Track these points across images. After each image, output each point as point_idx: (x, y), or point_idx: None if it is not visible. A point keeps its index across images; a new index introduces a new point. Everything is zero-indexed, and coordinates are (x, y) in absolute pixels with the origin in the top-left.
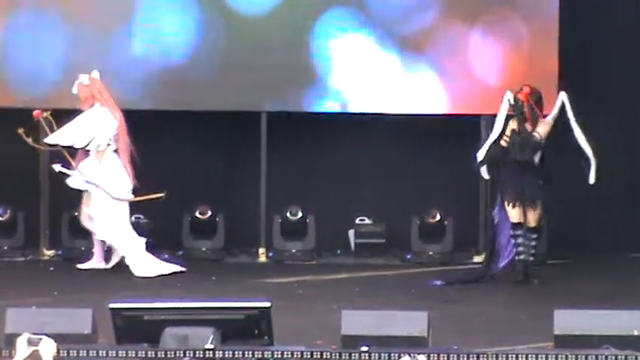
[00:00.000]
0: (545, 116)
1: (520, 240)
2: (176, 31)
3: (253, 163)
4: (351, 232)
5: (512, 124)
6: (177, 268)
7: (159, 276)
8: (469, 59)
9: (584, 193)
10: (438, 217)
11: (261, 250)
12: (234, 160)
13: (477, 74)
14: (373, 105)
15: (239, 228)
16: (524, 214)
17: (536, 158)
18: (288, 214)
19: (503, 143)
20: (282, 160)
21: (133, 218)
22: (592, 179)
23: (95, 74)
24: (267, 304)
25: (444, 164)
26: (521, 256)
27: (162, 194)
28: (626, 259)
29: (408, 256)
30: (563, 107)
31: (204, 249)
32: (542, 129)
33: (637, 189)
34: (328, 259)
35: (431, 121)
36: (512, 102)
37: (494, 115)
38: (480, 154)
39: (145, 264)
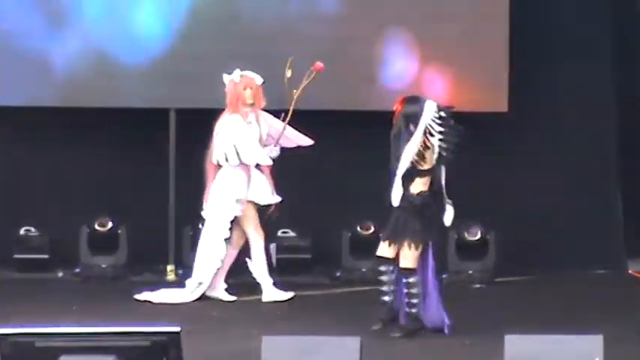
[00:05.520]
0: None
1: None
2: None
3: (160, 166)
4: (272, 247)
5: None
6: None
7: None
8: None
9: (536, 205)
10: (372, 229)
11: (170, 267)
12: (138, 163)
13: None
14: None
15: (144, 241)
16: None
17: None
18: (200, 226)
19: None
20: (195, 164)
21: (22, 230)
22: (448, 222)
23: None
24: (176, 329)
25: (373, 172)
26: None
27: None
28: (583, 277)
29: (338, 274)
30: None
31: (104, 265)
32: None
33: (593, 200)
34: (246, 277)
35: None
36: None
37: None
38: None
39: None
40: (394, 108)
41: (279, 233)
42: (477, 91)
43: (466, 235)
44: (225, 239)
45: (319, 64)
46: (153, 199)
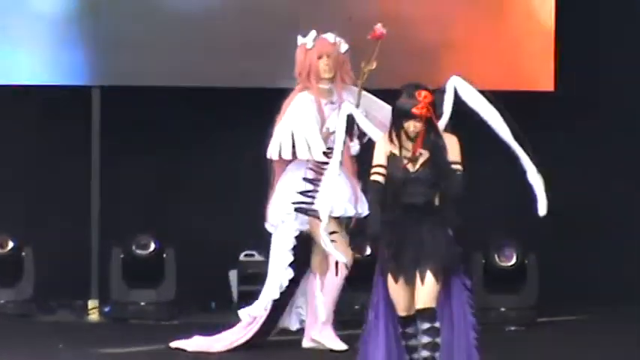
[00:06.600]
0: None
1: (413, 341)
2: None
3: (79, 163)
4: (233, 274)
5: (391, 146)
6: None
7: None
8: None
9: (592, 218)
10: (368, 252)
11: (92, 303)
12: (50, 159)
13: None
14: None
15: (58, 268)
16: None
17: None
18: (134, 247)
19: (379, 178)
20: (126, 160)
21: None
22: (542, 209)
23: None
24: None
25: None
26: None
27: None
28: None
29: None
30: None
31: (2, 301)
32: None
33: None
34: (196, 316)
35: None
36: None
37: None
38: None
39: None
40: (421, 102)
41: (242, 257)
42: (519, 67)
43: (497, 259)
44: (291, 263)
45: (378, 30)
46: (70, 210)
